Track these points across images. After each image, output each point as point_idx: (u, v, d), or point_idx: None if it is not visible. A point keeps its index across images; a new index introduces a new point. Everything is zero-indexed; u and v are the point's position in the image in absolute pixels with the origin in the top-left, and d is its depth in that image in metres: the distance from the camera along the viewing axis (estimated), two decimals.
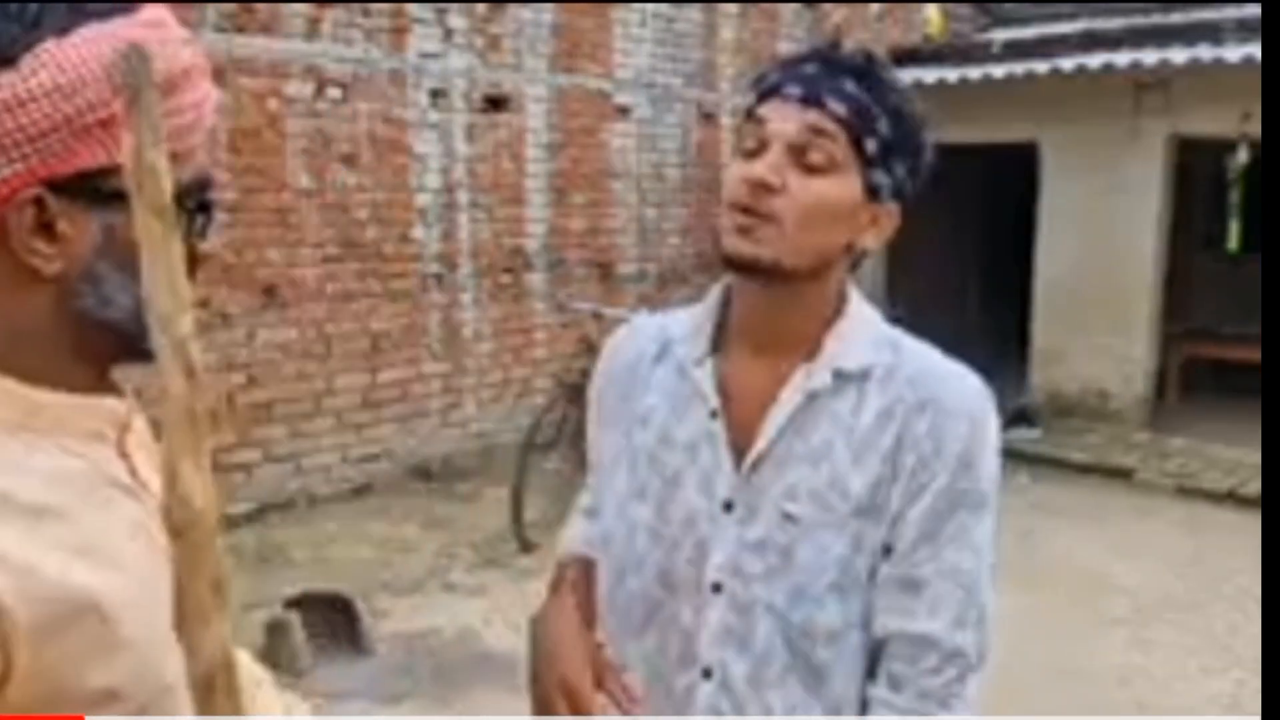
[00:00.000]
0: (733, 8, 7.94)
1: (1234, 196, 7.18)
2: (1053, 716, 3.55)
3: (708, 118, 7.90)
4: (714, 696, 1.15)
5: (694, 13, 7.63)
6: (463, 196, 6.28)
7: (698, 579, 1.15)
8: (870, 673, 1.14)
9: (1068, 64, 7.02)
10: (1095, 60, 7.00)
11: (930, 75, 7.64)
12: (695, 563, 1.15)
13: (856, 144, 1.08)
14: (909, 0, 9.35)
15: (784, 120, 1.08)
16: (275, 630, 3.80)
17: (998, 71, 7.36)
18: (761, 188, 1.06)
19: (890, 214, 1.14)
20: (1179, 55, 6.71)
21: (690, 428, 1.18)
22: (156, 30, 0.78)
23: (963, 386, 1.14)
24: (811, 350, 1.15)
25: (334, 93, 5.59)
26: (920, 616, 1.10)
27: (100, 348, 0.82)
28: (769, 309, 1.15)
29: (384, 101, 5.81)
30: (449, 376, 6.32)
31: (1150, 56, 6.82)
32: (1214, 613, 4.60)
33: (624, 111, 7.18)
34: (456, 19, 6.13)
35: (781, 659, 1.13)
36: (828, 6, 8.66)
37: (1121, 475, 6.65)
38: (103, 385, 0.84)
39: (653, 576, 1.18)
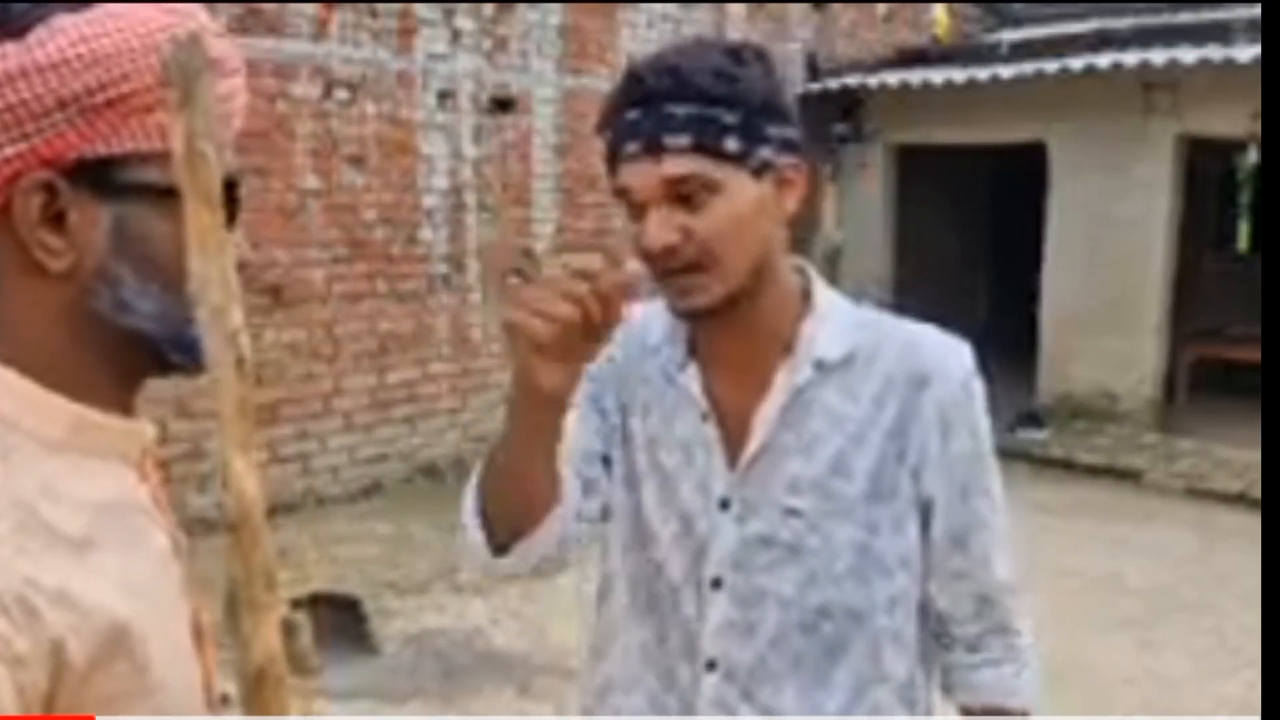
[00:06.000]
0: (740, 9, 7.94)
1: (1243, 197, 7.15)
2: (1060, 717, 3.54)
3: None
4: (719, 687, 1.16)
5: (701, 14, 7.63)
6: (470, 198, 6.29)
7: (697, 575, 1.16)
8: (936, 637, 1.23)
9: (1076, 64, 7.00)
10: (1104, 60, 6.98)
11: (938, 76, 7.63)
12: (694, 559, 1.16)
13: (718, 155, 1.04)
14: (917, 0, 9.33)
15: (641, 180, 1.05)
16: (282, 630, 3.81)
17: (1006, 72, 7.33)
18: (664, 251, 1.05)
19: (792, 166, 1.10)
20: (1188, 55, 6.69)
21: (684, 430, 1.18)
22: (182, 17, 0.73)
23: (954, 353, 1.17)
24: (788, 343, 1.15)
25: (341, 94, 5.60)
26: (975, 575, 1.18)
27: (123, 358, 0.76)
28: (739, 325, 1.13)
29: (391, 103, 5.82)
30: (457, 377, 6.33)
31: (1159, 56, 6.80)
32: (1224, 615, 4.58)
33: None
34: (464, 20, 6.14)
35: (793, 646, 1.14)
36: (836, 8, 8.65)
37: (1131, 477, 6.63)
38: (127, 399, 0.78)
39: (653, 566, 1.20)
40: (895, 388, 1.13)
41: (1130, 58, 6.92)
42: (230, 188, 0.76)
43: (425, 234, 6.07)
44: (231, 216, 0.77)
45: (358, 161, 5.70)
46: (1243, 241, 9.92)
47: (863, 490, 1.13)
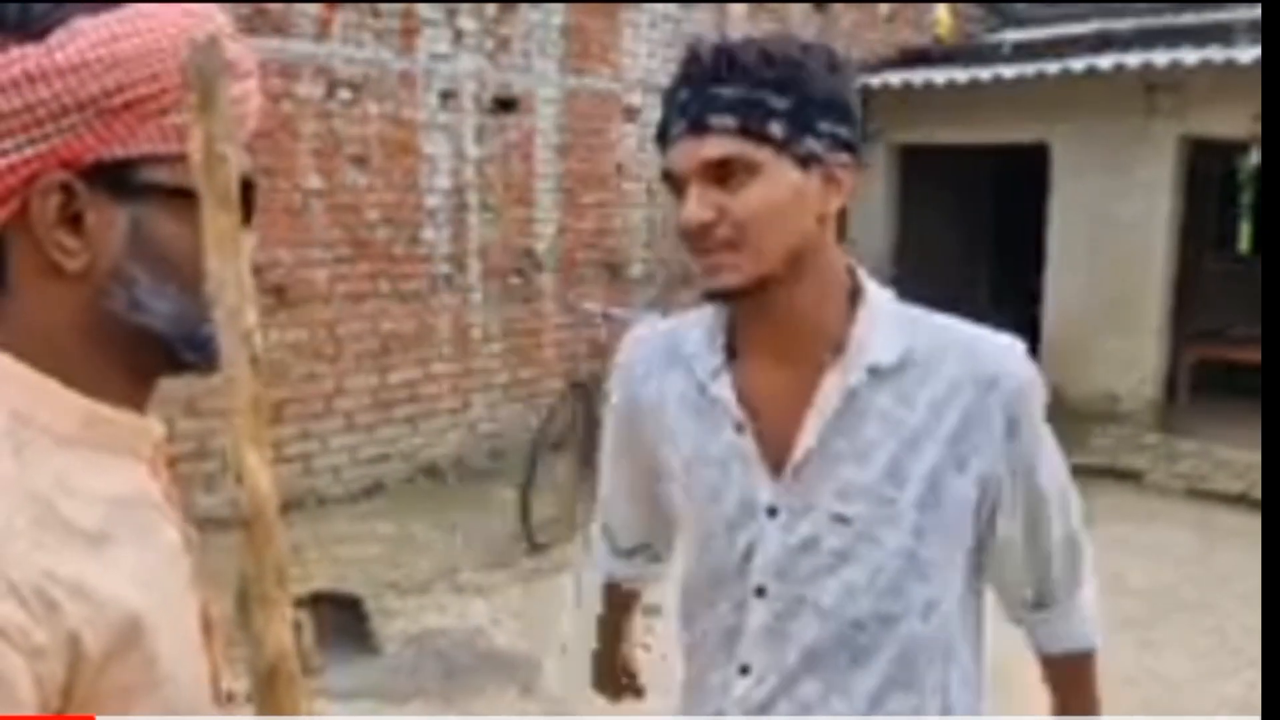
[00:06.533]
0: (742, 9, 7.95)
1: (1245, 198, 7.15)
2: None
3: None
4: (749, 690, 1.17)
5: (703, 14, 7.64)
6: (472, 198, 6.30)
7: (742, 582, 1.16)
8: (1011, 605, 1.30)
9: (1078, 65, 7.00)
10: (1106, 61, 6.98)
11: (940, 76, 7.63)
12: (740, 567, 1.16)
13: (761, 138, 1.05)
14: (919, 0, 9.33)
15: (684, 159, 1.07)
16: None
17: (1008, 72, 7.33)
18: (699, 227, 1.06)
19: (843, 166, 1.10)
20: (1190, 56, 6.68)
21: (719, 444, 1.17)
22: (200, 19, 0.74)
23: (1015, 353, 1.17)
24: (837, 345, 1.13)
25: (344, 94, 5.61)
26: (1050, 554, 1.25)
27: (136, 357, 0.77)
28: (773, 316, 1.13)
29: (394, 103, 5.83)
30: (458, 377, 6.33)
31: (1161, 57, 6.79)
32: (1225, 615, 4.59)
33: (633, 113, 7.19)
34: (466, 20, 6.15)
35: (825, 654, 1.14)
36: (838, 8, 8.66)
37: (1132, 477, 6.63)
38: (140, 397, 0.79)
39: (703, 578, 1.21)
40: (961, 392, 1.11)
41: (1132, 59, 6.92)
42: (246, 188, 0.77)
43: (427, 234, 6.08)
44: (247, 217, 0.77)
45: (360, 161, 5.71)
46: (1244, 242, 9.92)
47: (915, 497, 1.11)
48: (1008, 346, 1.17)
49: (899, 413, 1.11)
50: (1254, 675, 3.95)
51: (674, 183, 1.10)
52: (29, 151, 0.69)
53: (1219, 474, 6.53)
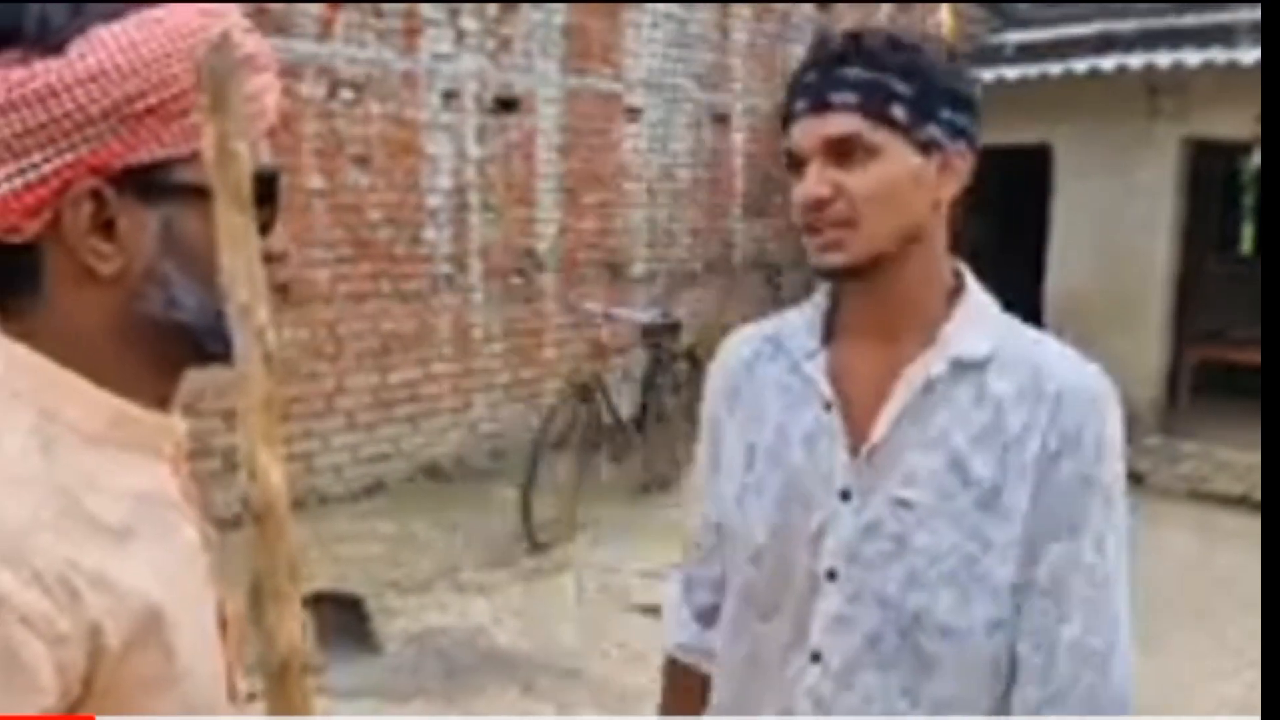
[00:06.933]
0: (745, 9, 7.95)
1: (1247, 199, 7.14)
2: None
3: (719, 119, 7.90)
4: (819, 681, 1.16)
5: (706, 14, 7.64)
6: (474, 198, 6.30)
7: (813, 567, 1.16)
8: (1012, 676, 1.13)
9: (1081, 66, 7.00)
10: (1109, 62, 6.98)
11: None
12: (812, 551, 1.16)
13: (882, 119, 1.07)
14: (922, 1, 9.33)
15: (805, 136, 1.10)
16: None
17: (1010, 73, 7.34)
18: (815, 202, 1.09)
19: (960, 154, 1.12)
20: (1193, 57, 6.68)
21: (806, 422, 1.18)
22: (216, 19, 0.74)
23: (1092, 377, 1.15)
24: (928, 336, 1.14)
25: (346, 94, 5.62)
26: (1058, 622, 1.09)
27: (167, 352, 0.78)
28: (876, 296, 1.15)
29: (396, 103, 5.83)
30: (459, 377, 6.34)
31: (1164, 59, 6.79)
32: (1225, 617, 4.58)
33: (635, 113, 7.19)
34: (468, 21, 6.15)
35: (891, 647, 1.12)
36: (840, 9, 8.66)
37: (1133, 479, 6.52)
38: (168, 391, 0.81)
39: (771, 567, 1.19)
40: (1027, 399, 1.11)
41: (1135, 60, 6.92)
42: (270, 181, 0.78)
43: (429, 234, 6.08)
44: (273, 209, 0.79)
45: (362, 161, 5.71)
46: (1246, 244, 9.91)
47: (976, 498, 1.10)
48: (1082, 364, 1.15)
49: (971, 409, 1.12)
50: (1254, 676, 3.95)
51: (794, 161, 1.12)
52: (58, 162, 0.70)
53: (1220, 476, 6.53)
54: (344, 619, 4.02)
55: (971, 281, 1.19)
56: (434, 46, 5.99)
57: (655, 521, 5.27)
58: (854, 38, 1.09)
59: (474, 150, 6.27)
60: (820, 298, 1.23)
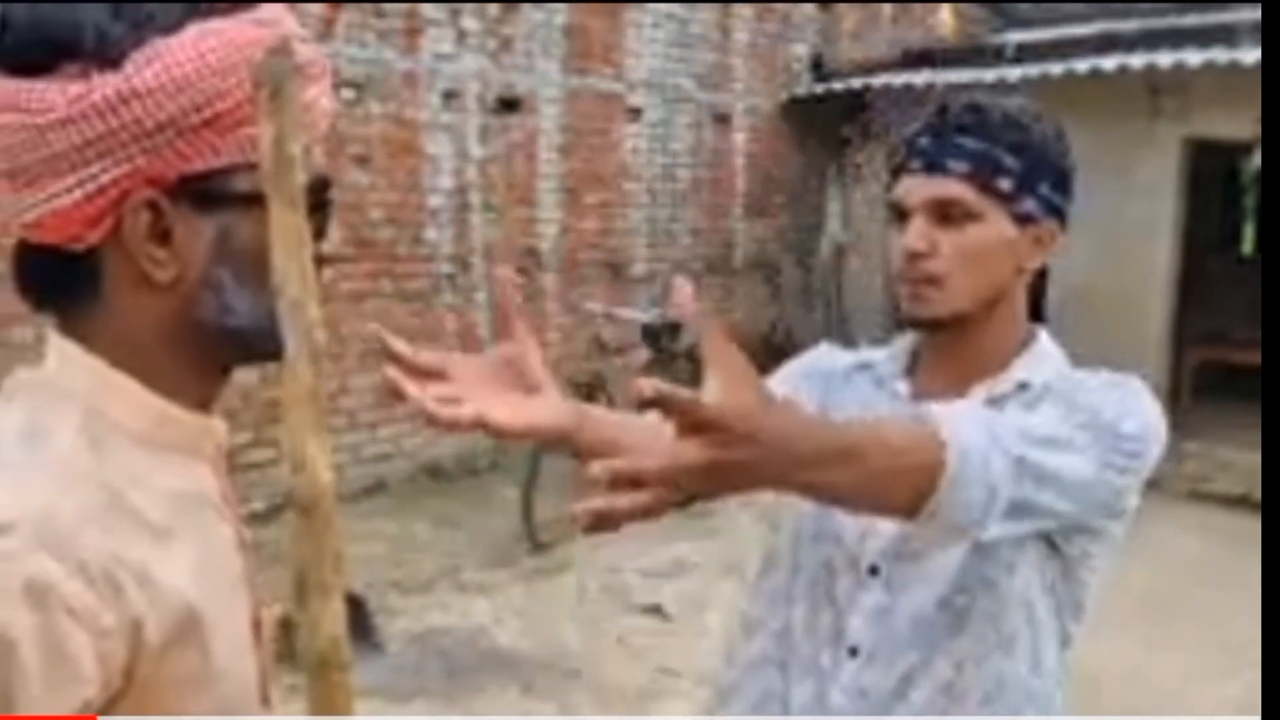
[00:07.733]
0: (746, 10, 7.95)
1: (1248, 200, 7.14)
2: (1060, 717, 3.54)
3: (720, 119, 7.91)
4: (859, 672, 1.20)
5: (707, 14, 7.64)
6: (475, 198, 6.30)
7: (857, 562, 1.22)
8: None
9: (1082, 66, 7.00)
10: (1110, 63, 6.97)
11: (943, 78, 7.63)
12: (858, 546, 1.22)
13: (988, 189, 1.16)
14: (923, 1, 9.34)
15: (915, 193, 1.19)
16: (287, 628, 3.82)
17: (1012, 74, 7.34)
18: (914, 256, 1.18)
19: (1050, 230, 1.22)
20: (1194, 58, 6.68)
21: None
22: (271, 29, 0.75)
23: (1123, 379, 1.19)
24: (999, 374, 1.23)
25: (347, 94, 5.62)
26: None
27: (216, 355, 0.81)
28: (956, 350, 1.24)
29: (397, 103, 5.84)
30: None
31: (1165, 59, 6.79)
32: (1225, 616, 4.59)
33: (636, 113, 7.20)
34: (469, 21, 6.16)
35: (927, 622, 1.18)
36: (842, 9, 8.66)
37: None
38: (211, 394, 0.83)
39: (819, 562, 1.25)
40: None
41: (1136, 60, 6.91)
42: (324, 187, 0.80)
43: (430, 234, 6.09)
44: (326, 216, 0.81)
45: (363, 161, 5.72)
46: (1247, 244, 9.91)
47: None
48: (1134, 390, 1.18)
49: (1020, 421, 1.16)
50: (1254, 676, 3.94)
51: (898, 213, 1.22)
52: (117, 172, 0.72)
53: (1221, 476, 6.54)
54: (345, 618, 4.02)
55: (1045, 336, 1.29)
56: (435, 46, 5.99)
57: (656, 521, 5.27)
58: (975, 110, 1.19)
59: (475, 150, 6.28)
60: (909, 338, 1.32)
